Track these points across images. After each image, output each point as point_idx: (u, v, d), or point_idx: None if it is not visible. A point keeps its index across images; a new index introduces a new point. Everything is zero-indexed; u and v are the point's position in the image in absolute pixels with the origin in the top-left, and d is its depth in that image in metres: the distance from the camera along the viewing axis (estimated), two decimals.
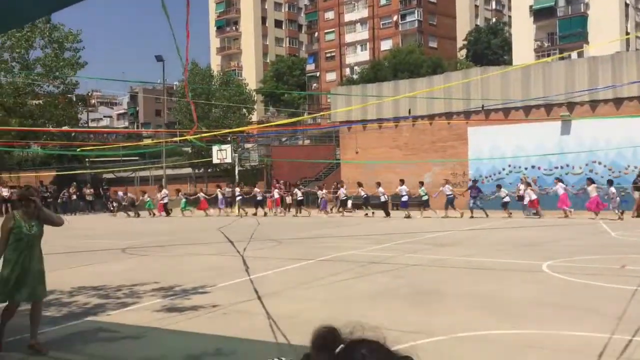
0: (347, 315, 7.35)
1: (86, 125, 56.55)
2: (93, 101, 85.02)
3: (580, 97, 27.17)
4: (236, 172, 33.42)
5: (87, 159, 47.44)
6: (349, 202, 29.04)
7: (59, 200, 29.76)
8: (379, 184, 27.08)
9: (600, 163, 27.48)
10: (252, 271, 10.87)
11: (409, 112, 32.09)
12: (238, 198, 29.94)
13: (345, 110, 33.24)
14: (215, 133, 28.88)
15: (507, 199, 24.95)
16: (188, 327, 6.89)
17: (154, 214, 30.15)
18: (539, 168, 29.00)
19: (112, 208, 31.63)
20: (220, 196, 30.59)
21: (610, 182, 23.28)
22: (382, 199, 26.80)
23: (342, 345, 1.58)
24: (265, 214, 29.23)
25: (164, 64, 44.40)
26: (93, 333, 6.79)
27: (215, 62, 78.69)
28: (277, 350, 5.76)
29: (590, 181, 23.57)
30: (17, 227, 6.10)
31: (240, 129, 32.62)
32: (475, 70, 33.04)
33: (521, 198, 25.32)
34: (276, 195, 30.14)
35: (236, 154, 34.20)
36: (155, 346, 6.24)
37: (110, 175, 45.50)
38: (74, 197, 29.41)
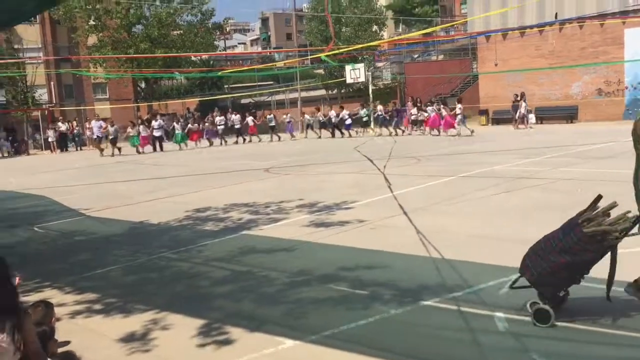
0: (499, 230, 7.04)
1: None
2: (228, 29, 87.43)
3: None
4: (370, 91, 32.98)
5: (225, 86, 49.46)
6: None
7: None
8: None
9: None
10: (394, 188, 10.78)
11: (556, 16, 29.40)
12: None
13: (482, 17, 31.09)
14: (349, 49, 28.48)
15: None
16: (337, 242, 6.97)
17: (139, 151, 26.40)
18: None
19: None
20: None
21: (459, 100, 24.05)
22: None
23: None
24: (399, 133, 28.37)
25: None
26: (250, 246, 7.10)
27: None
28: (432, 264, 5.65)
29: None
30: None
31: (373, 43, 31.83)
32: None
33: None
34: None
35: (369, 73, 33.67)
36: (309, 258, 6.38)
37: (248, 100, 47.12)
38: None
